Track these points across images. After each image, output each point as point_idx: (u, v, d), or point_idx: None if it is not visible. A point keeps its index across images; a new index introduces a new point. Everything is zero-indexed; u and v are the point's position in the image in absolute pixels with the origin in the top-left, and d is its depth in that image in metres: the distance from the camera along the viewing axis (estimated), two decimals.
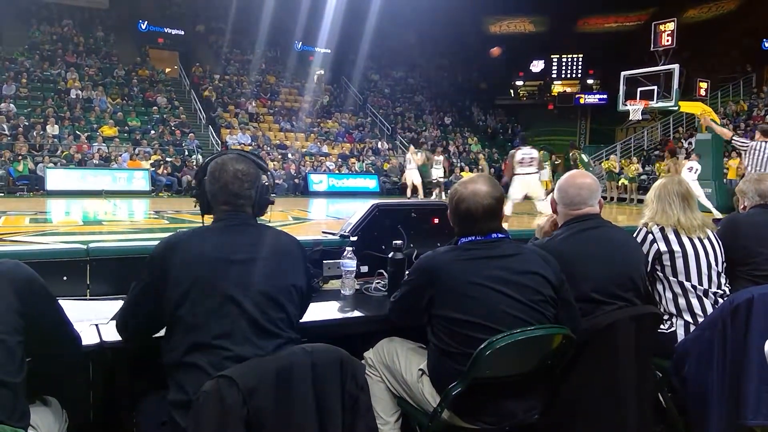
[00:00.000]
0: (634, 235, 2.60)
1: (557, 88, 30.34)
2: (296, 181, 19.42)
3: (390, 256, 2.52)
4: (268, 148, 20.71)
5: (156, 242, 1.77)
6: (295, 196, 18.13)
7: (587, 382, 2.04)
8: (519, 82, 31.02)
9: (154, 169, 17.57)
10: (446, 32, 26.73)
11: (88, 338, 1.81)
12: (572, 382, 2.03)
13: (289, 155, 20.86)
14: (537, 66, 30.47)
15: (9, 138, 17.32)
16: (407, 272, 2.14)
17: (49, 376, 1.72)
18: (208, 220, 1.89)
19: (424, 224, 3.05)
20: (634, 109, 19.04)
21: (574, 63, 30.06)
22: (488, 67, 29.13)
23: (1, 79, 19.75)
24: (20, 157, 16.23)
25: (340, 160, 21.60)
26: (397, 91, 29.45)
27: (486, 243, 1.96)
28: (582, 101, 29.15)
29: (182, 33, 26.33)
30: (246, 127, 21.95)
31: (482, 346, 1.75)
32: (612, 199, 18.55)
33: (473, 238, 1.97)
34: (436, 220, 3.11)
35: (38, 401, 1.68)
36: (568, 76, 30.23)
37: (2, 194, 15.00)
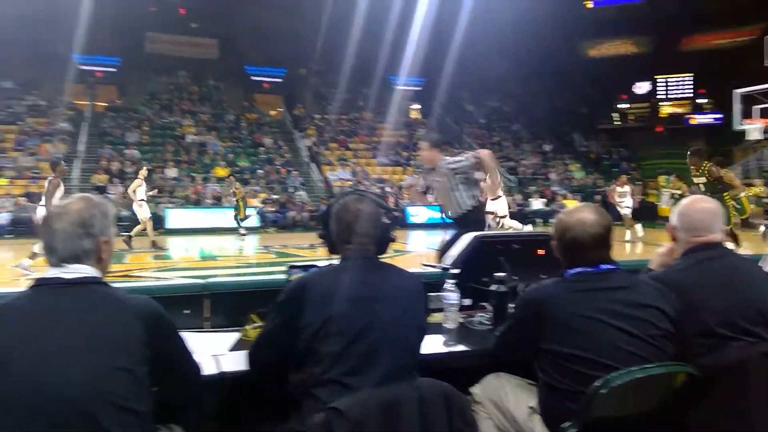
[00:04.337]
0: (759, 263, 2.39)
1: (665, 109, 28.79)
2: (395, 214, 19.64)
3: (493, 288, 2.48)
4: (368, 183, 21.17)
5: (268, 276, 1.86)
6: (394, 229, 18.29)
7: (714, 426, 1.87)
8: (622, 105, 29.76)
9: (262, 206, 18.51)
10: (542, 58, 26.30)
11: (209, 368, 1.91)
12: (697, 426, 1.87)
13: (387, 189, 21.21)
14: (641, 88, 29.14)
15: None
16: (512, 306, 2.09)
17: (173, 404, 1.81)
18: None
19: (527, 256, 2.97)
20: (753, 128, 17.67)
21: (683, 83, 28.44)
22: (588, 91, 28.25)
23: (126, 128, 21.79)
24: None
25: None
26: (492, 120, 29.21)
27: (595, 274, 1.89)
28: (693, 122, 27.43)
29: (285, 77, 27.82)
30: (346, 163, 22.62)
31: (598, 384, 1.66)
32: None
33: (581, 269, 1.90)
34: (541, 252, 3.02)
35: (164, 429, 1.78)
36: (677, 96, 28.63)
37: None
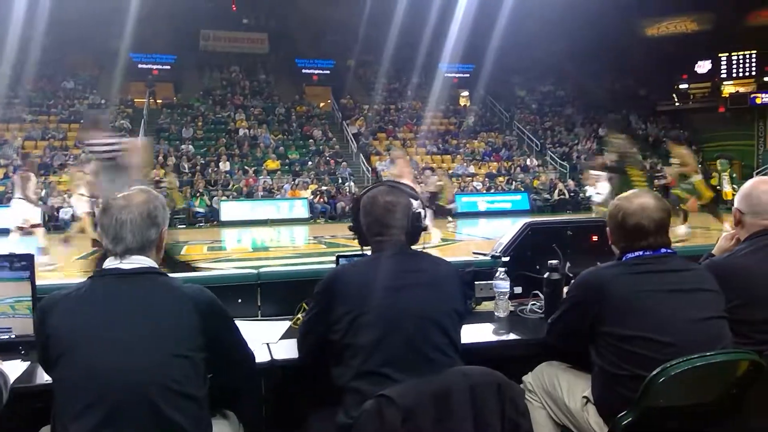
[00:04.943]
0: None
1: (728, 88, 27.42)
2: (426, 203, 19.52)
3: (545, 276, 2.43)
4: (416, 172, 21.10)
5: (317, 266, 1.88)
6: (443, 218, 18.21)
7: None
8: (683, 86, 28.52)
9: (312, 197, 18.75)
10: (598, 39, 25.44)
11: (260, 356, 1.95)
12: (761, 417, 1.79)
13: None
14: (703, 66, 27.80)
15: (189, 175, 19.53)
16: (567, 290, 2.05)
17: (227, 391, 1.86)
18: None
19: (581, 242, 2.89)
20: None
21: (747, 60, 26.98)
22: (646, 72, 27.21)
23: (182, 123, 22.46)
24: (198, 193, 18.27)
25: (487, 179, 21.39)
26: (545, 105, 28.57)
27: (654, 258, 1.85)
28: (759, 101, 26.03)
29: (333, 68, 28.00)
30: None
31: (655, 372, 1.61)
32: None
33: (640, 253, 1.86)
34: (595, 238, 2.94)
35: (218, 414, 1.83)
36: (741, 74, 27.21)
37: (183, 226, 16.88)
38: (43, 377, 1.73)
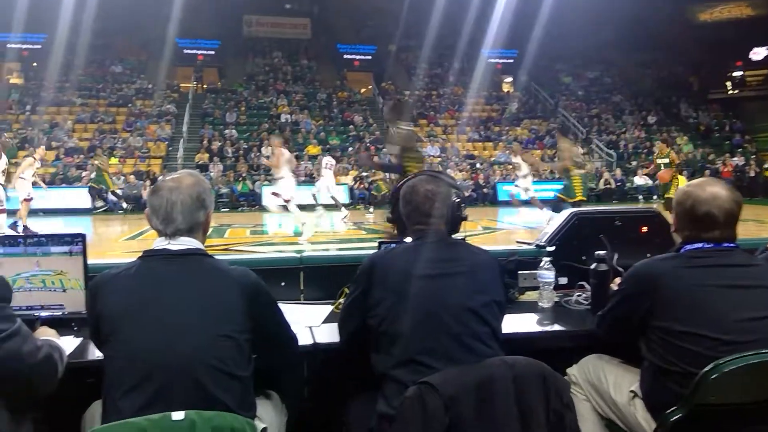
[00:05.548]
0: None
1: None
2: (485, 190, 19.35)
3: (592, 267, 2.38)
4: (457, 159, 20.93)
5: (358, 252, 1.88)
6: (484, 206, 18.06)
7: None
8: (737, 73, 27.38)
9: (352, 183, 18.81)
10: (647, 25, 24.61)
11: (303, 339, 1.97)
12: None
13: (478, 165, 20.87)
14: (758, 53, 26.61)
15: (232, 160, 19.84)
16: (618, 282, 1.99)
17: (271, 372, 1.89)
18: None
19: (630, 233, 2.81)
20: None
21: None
22: (698, 59, 26.22)
23: (225, 108, 22.81)
24: (241, 178, 18.56)
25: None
26: (591, 92, 27.86)
27: (716, 251, 1.77)
28: None
29: (375, 54, 27.93)
30: (435, 139, 22.46)
31: (707, 368, 1.56)
32: None
33: (701, 245, 1.79)
34: (645, 229, 2.85)
35: (262, 395, 1.86)
36: None
37: (227, 209, 17.20)
38: (95, 353, 1.79)
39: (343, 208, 13.38)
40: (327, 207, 13.74)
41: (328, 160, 14.49)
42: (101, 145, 19.35)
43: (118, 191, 16.61)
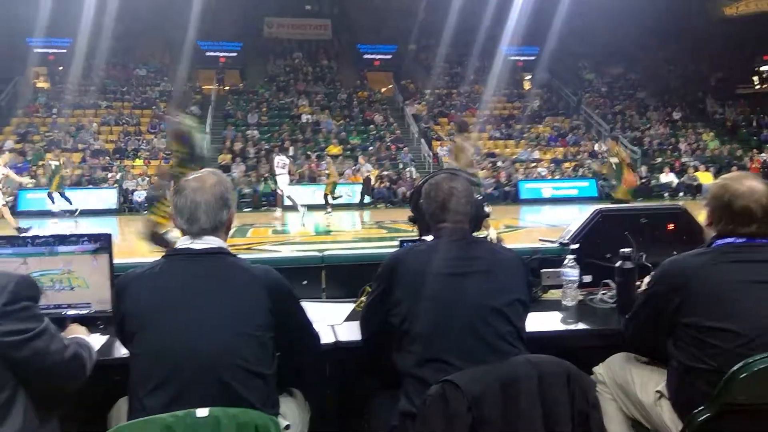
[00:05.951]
0: None
1: None
2: (507, 189, 19.22)
3: (618, 265, 2.34)
4: (478, 157, 20.81)
5: (379, 250, 1.87)
6: (505, 204, 17.94)
7: None
8: (765, 68, 26.75)
9: (373, 182, 18.85)
10: (672, 20, 24.19)
11: (325, 337, 1.98)
12: None
13: (499, 163, 20.74)
14: None
15: (254, 161, 19.99)
16: (647, 281, 1.95)
17: (294, 370, 1.90)
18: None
19: (656, 231, 2.76)
20: None
21: None
22: (724, 54, 25.69)
23: (247, 110, 22.99)
24: (263, 178, 18.69)
25: (552, 165, 20.87)
26: (615, 88, 27.48)
27: (748, 246, 1.73)
28: None
29: (395, 53, 27.91)
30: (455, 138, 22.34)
31: (736, 367, 1.53)
32: None
33: (733, 240, 1.75)
34: (671, 226, 2.80)
35: (285, 392, 1.87)
36: None
37: (249, 209, 17.33)
38: (121, 351, 1.81)
39: (300, 207, 13.31)
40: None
41: (280, 159, 14.30)
42: (126, 147, 19.61)
43: (142, 192, 16.79)
